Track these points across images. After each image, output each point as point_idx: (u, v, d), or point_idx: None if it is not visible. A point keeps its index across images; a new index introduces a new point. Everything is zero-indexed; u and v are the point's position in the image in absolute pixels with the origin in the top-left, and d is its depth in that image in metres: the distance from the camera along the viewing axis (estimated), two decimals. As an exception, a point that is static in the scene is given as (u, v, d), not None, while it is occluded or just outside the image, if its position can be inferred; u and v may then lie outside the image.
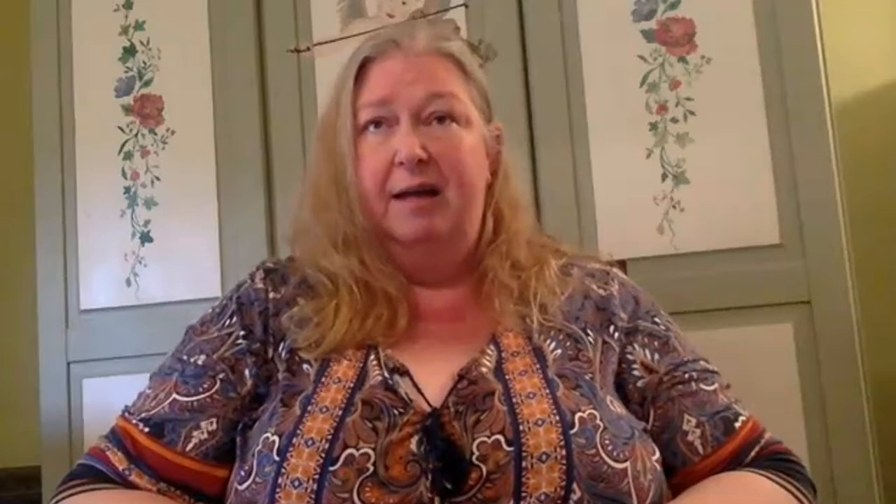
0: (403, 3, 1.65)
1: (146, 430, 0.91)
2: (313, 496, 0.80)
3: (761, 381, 1.39)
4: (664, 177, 1.53)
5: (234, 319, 0.97)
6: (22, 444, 2.11)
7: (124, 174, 1.77)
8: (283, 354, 0.94)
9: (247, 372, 0.94)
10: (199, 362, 0.95)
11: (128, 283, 1.74)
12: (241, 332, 0.96)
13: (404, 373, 0.89)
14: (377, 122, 0.96)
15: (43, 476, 1.72)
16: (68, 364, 1.75)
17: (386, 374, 0.88)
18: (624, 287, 1.02)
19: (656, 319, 1.00)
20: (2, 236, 2.40)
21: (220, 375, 0.93)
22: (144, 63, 1.78)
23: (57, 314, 1.77)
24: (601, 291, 1.00)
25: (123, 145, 1.77)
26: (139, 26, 1.79)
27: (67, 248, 1.78)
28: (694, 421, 0.93)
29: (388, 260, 0.97)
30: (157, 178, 1.75)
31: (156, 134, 1.76)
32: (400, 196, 0.94)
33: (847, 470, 1.41)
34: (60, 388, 1.75)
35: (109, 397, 1.70)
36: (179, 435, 0.91)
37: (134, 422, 0.93)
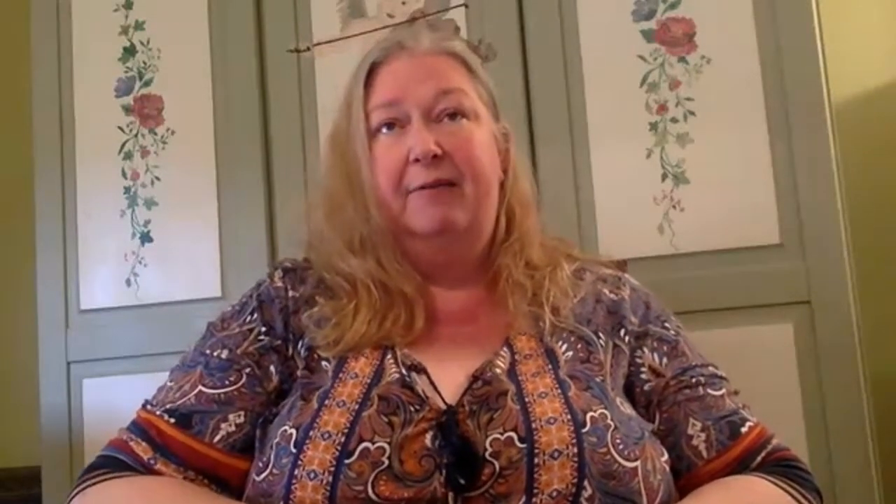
0: (403, 3, 1.65)
1: (172, 420, 0.92)
2: (328, 488, 0.81)
3: (761, 381, 1.39)
4: (664, 177, 1.53)
5: (255, 316, 0.98)
6: (22, 444, 2.11)
7: (124, 174, 1.77)
8: (303, 352, 0.95)
9: (272, 368, 0.95)
10: (224, 356, 0.95)
11: (128, 283, 1.74)
12: (263, 329, 0.97)
13: (421, 371, 0.90)
14: (390, 125, 0.97)
15: (43, 476, 1.72)
16: (68, 364, 1.75)
17: (404, 371, 0.89)
18: (635, 292, 1.03)
19: (666, 324, 1.01)
20: (2, 236, 2.39)
21: (247, 370, 0.94)
22: (144, 63, 1.78)
23: (57, 314, 1.77)
24: (613, 296, 1.01)
25: (123, 145, 1.77)
26: (139, 26, 1.79)
27: (67, 248, 1.78)
28: (699, 425, 0.94)
29: (405, 260, 0.98)
30: (157, 178, 1.75)
31: (156, 134, 1.76)
32: (417, 190, 0.95)
33: (847, 470, 1.42)
34: (60, 388, 1.75)
35: (109, 397, 1.70)
36: (207, 426, 0.91)
37: (158, 413, 0.93)
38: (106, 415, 1.68)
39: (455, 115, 0.97)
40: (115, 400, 1.66)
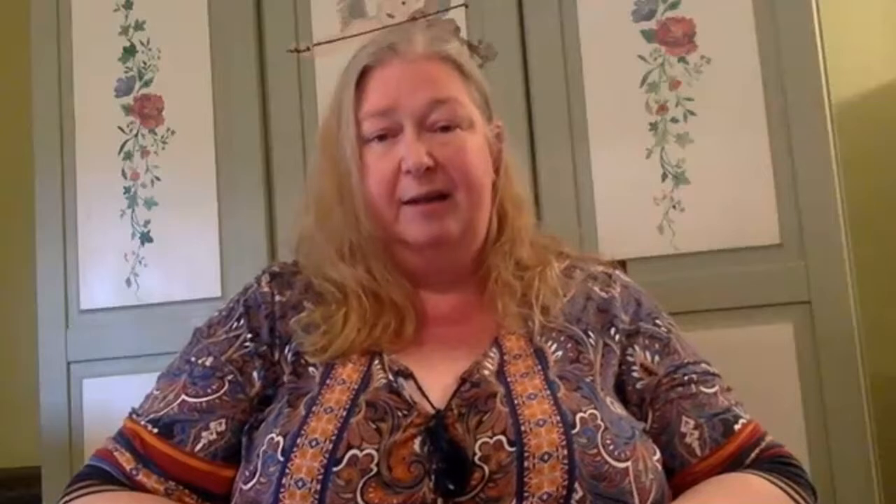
0: (403, 3, 1.65)
1: (155, 430, 0.92)
2: (317, 496, 0.80)
3: (761, 381, 1.39)
4: (664, 177, 1.53)
5: (242, 322, 0.98)
6: (22, 444, 2.11)
7: (124, 174, 1.77)
8: (289, 357, 0.94)
9: (255, 374, 0.94)
10: (208, 364, 0.95)
11: (128, 283, 1.74)
12: (249, 335, 0.96)
13: (408, 376, 0.89)
14: (382, 136, 0.96)
15: (43, 476, 1.72)
16: (68, 364, 1.75)
17: (391, 377, 0.89)
18: (626, 289, 1.02)
19: (658, 321, 1.00)
20: (2, 236, 2.40)
21: (229, 377, 0.94)
22: (144, 63, 1.78)
23: (57, 314, 1.77)
24: (603, 294, 1.00)
25: (123, 145, 1.77)
26: (139, 26, 1.79)
27: (67, 248, 1.78)
28: (692, 423, 0.93)
29: (395, 266, 0.98)
30: (157, 178, 1.75)
31: (156, 134, 1.76)
32: (410, 202, 0.94)
33: (847, 470, 1.42)
34: (60, 388, 1.75)
35: (109, 397, 1.70)
36: (189, 435, 0.91)
37: (142, 423, 0.93)
38: (106, 415, 1.68)
39: (448, 126, 0.95)
40: (114, 400, 1.66)
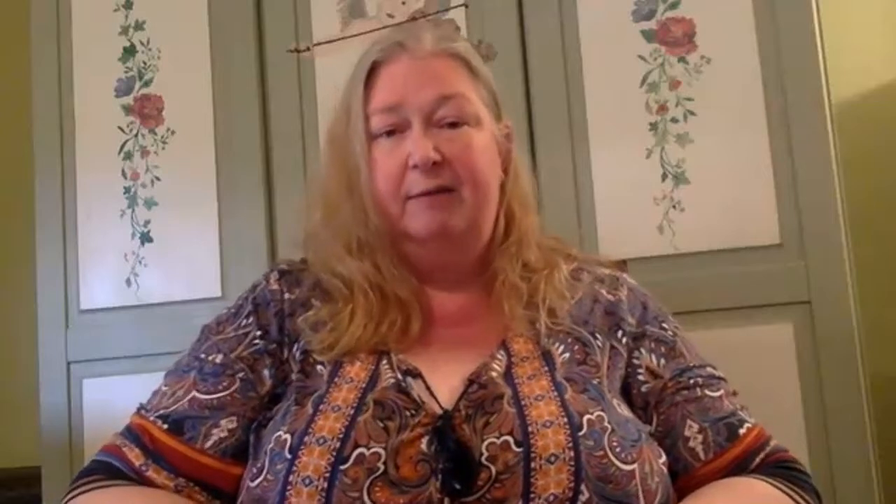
0: (403, 3, 1.66)
1: (164, 426, 0.91)
2: (324, 494, 0.80)
3: (761, 381, 1.39)
4: (664, 177, 1.53)
5: (251, 319, 0.97)
6: (22, 444, 2.11)
7: (124, 174, 1.77)
8: (298, 355, 0.94)
9: (266, 372, 0.94)
10: (218, 361, 0.95)
11: (128, 283, 1.74)
12: (258, 333, 0.96)
13: (417, 375, 0.89)
14: (390, 132, 0.96)
15: (43, 476, 1.72)
16: (68, 364, 1.75)
17: (399, 376, 0.89)
18: (633, 292, 1.02)
19: (664, 325, 1.00)
20: (2, 236, 2.40)
21: (240, 374, 0.94)
22: (144, 63, 1.78)
23: (57, 314, 1.77)
24: (610, 296, 1.00)
25: (123, 145, 1.77)
26: (139, 26, 1.79)
27: (67, 248, 1.78)
28: (696, 427, 0.93)
29: (402, 263, 0.98)
30: (157, 178, 1.75)
31: (156, 134, 1.76)
32: (416, 197, 0.94)
33: (847, 470, 1.42)
34: (60, 388, 1.75)
35: (109, 397, 1.70)
36: (199, 432, 0.91)
37: (151, 419, 0.92)
38: (106, 415, 1.68)
39: (456, 122, 0.96)
40: (114, 400, 1.66)
